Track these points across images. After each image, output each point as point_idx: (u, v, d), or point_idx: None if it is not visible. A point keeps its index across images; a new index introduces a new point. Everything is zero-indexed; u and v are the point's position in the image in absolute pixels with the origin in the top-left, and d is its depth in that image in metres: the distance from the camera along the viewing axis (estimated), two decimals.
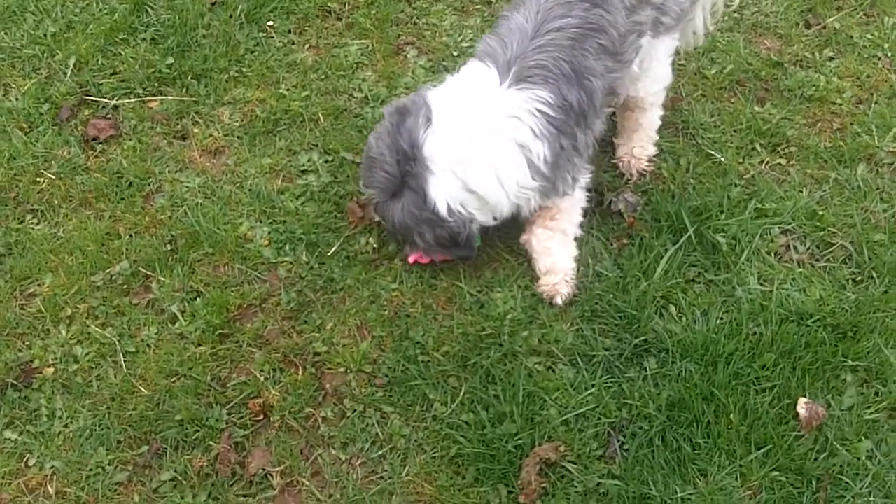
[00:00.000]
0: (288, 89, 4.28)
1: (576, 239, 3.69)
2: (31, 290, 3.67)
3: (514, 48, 3.42)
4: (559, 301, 3.57)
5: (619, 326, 3.49)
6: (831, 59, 4.40)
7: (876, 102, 4.20)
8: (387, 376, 3.41)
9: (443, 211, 3.43)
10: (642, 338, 3.44)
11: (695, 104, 4.20)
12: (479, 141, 3.39)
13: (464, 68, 3.55)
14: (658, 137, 3.99)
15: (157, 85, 4.31)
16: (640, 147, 3.96)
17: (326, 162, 4.01)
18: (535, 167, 3.45)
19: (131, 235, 3.80)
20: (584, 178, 3.68)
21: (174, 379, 3.42)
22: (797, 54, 4.41)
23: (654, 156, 3.99)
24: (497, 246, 3.75)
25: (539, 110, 3.39)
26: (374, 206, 3.60)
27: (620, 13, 3.50)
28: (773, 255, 3.69)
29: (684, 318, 3.50)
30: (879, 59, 4.39)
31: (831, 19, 4.54)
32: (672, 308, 3.53)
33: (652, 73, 3.81)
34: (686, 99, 4.20)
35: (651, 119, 3.94)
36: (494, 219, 3.56)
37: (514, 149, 3.41)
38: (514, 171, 3.44)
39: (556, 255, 3.61)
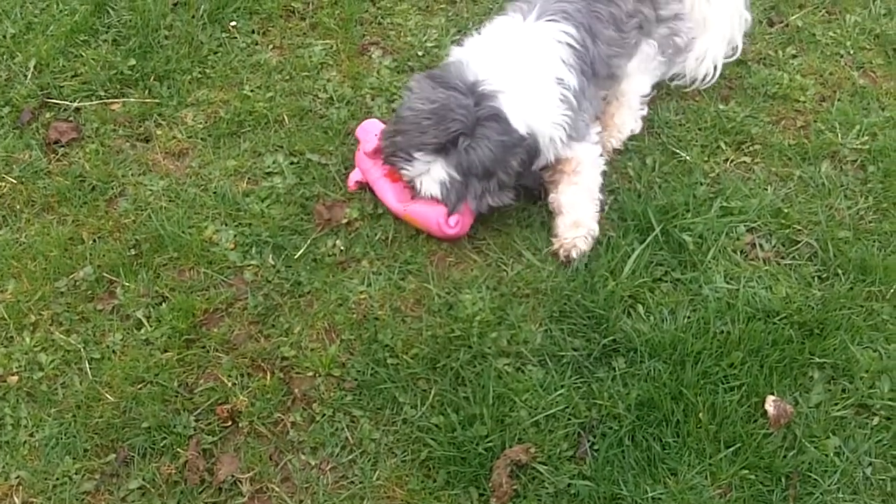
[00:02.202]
0: (252, 90, 4.25)
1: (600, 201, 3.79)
2: None
3: (536, 1, 3.77)
4: (574, 255, 3.61)
5: (588, 326, 3.49)
6: (794, 56, 4.42)
7: (839, 100, 4.23)
8: (356, 380, 3.39)
9: (523, 130, 3.57)
10: (611, 337, 3.44)
11: (660, 103, 4.20)
12: (520, 66, 3.63)
13: (487, 24, 3.85)
14: (626, 137, 4.03)
15: (119, 87, 4.26)
16: (607, 141, 3.99)
17: (292, 164, 3.98)
18: (566, 97, 3.65)
19: (95, 240, 3.76)
20: (595, 130, 3.87)
21: (140, 385, 3.38)
22: (760, 52, 4.43)
23: (616, 151, 4.01)
24: (464, 247, 3.74)
25: (565, 42, 3.68)
26: (442, 158, 3.55)
27: None
28: (739, 254, 3.70)
29: (652, 318, 3.50)
30: (842, 56, 4.42)
31: (794, 17, 4.56)
32: (640, 307, 3.54)
33: (638, 73, 4.05)
34: (652, 99, 4.19)
35: (624, 119, 4.03)
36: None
37: (549, 75, 3.65)
38: (550, 95, 3.65)
39: (583, 210, 3.70)
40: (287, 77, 4.31)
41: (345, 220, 3.78)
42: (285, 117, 4.15)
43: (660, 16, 4.04)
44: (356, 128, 3.96)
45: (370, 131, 3.83)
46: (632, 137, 4.06)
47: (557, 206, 3.74)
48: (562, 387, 3.35)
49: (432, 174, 3.58)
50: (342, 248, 3.72)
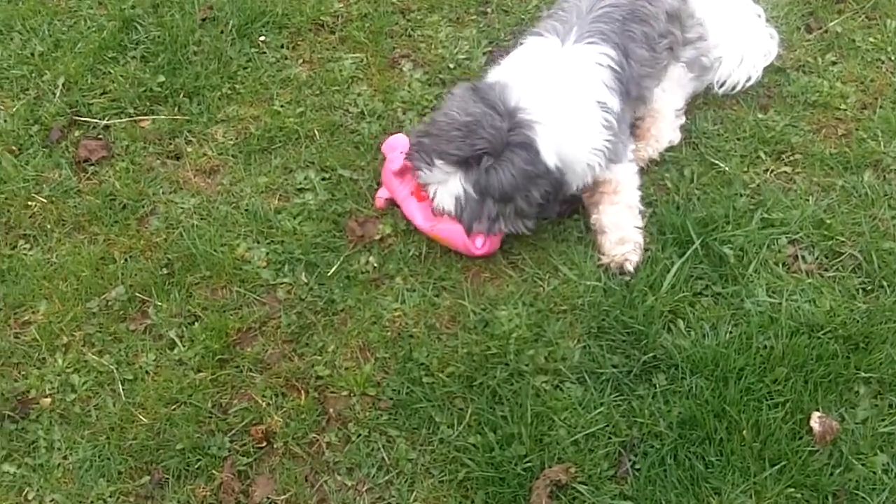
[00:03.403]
0: (282, 106, 4.26)
1: (640, 213, 3.81)
2: (26, 317, 3.65)
3: (572, 20, 3.78)
4: (629, 268, 3.63)
5: (627, 342, 3.48)
6: (834, 63, 4.39)
7: (881, 107, 4.19)
8: (391, 399, 3.39)
9: (551, 164, 3.57)
10: (651, 354, 3.43)
11: (697, 112, 4.18)
12: (562, 93, 3.65)
13: (521, 45, 3.87)
14: (664, 148, 4.02)
15: (148, 104, 4.29)
16: (644, 152, 4.00)
17: (323, 179, 3.99)
18: (609, 122, 3.69)
19: (126, 259, 3.78)
20: (631, 148, 3.90)
21: (174, 406, 3.40)
22: (799, 59, 4.40)
23: (653, 162, 4.01)
24: (499, 262, 3.73)
25: (606, 64, 3.71)
26: (462, 175, 3.57)
27: (662, 12, 3.91)
28: (781, 266, 3.68)
29: (693, 333, 3.49)
30: (883, 62, 4.39)
31: (833, 23, 4.53)
32: (680, 322, 3.52)
33: (671, 91, 4.07)
34: (689, 108, 4.17)
35: (662, 130, 4.03)
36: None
37: (591, 101, 3.68)
38: (592, 122, 3.68)
39: (625, 226, 3.71)
40: (317, 92, 4.33)
41: (377, 237, 3.79)
42: (316, 132, 4.16)
43: (686, 38, 4.05)
44: (383, 143, 3.97)
45: (396, 147, 3.84)
46: (669, 148, 4.04)
47: (600, 227, 3.75)
48: (601, 405, 3.33)
49: (449, 186, 3.59)
50: (375, 264, 3.72)
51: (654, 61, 3.92)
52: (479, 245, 3.65)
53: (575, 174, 3.72)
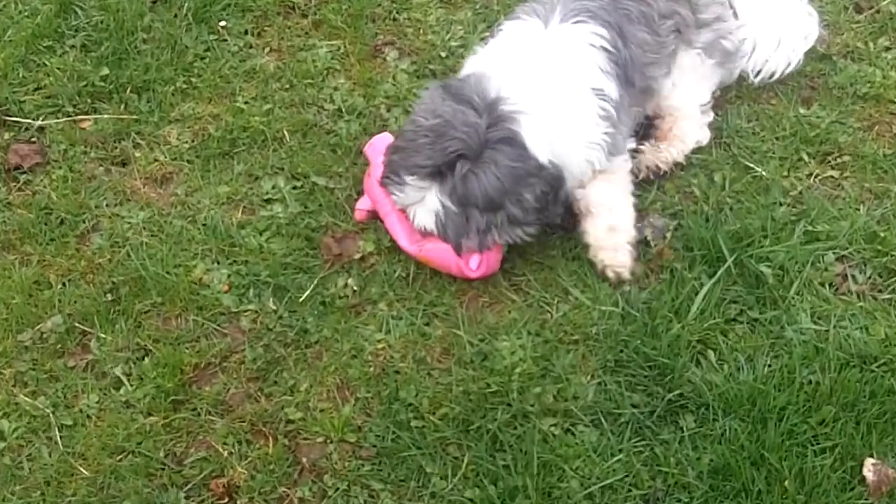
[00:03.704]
0: (246, 102, 4.29)
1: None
2: None
3: (553, 2, 3.82)
4: (626, 276, 3.67)
5: (649, 378, 3.49)
6: (888, 49, 4.42)
7: None
8: (374, 446, 3.40)
9: (543, 159, 3.57)
10: (677, 391, 3.44)
11: (729, 107, 4.21)
12: (552, 81, 3.67)
13: (498, 32, 3.91)
14: (690, 149, 4.04)
15: (89, 101, 4.31)
16: (667, 153, 4.02)
17: (294, 188, 4.01)
18: (606, 111, 3.71)
19: (64, 284, 3.79)
20: (630, 144, 3.91)
21: (120, 456, 3.40)
22: (847, 44, 4.43)
23: (678, 165, 4.03)
24: (500, 284, 3.75)
25: (599, 45, 3.74)
26: (440, 186, 3.57)
27: None
28: (827, 287, 3.70)
29: (726, 366, 3.50)
30: None
31: (886, 2, 4.56)
32: (711, 354, 3.54)
33: (688, 84, 4.07)
34: (718, 101, 4.20)
35: (685, 129, 4.05)
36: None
37: (585, 88, 3.70)
38: (588, 112, 3.69)
39: (618, 211, 3.74)
40: (287, 85, 4.35)
41: (358, 255, 3.81)
42: (286, 133, 4.18)
43: (700, 20, 4.07)
44: (365, 145, 4.00)
45: (381, 151, 3.85)
46: (697, 149, 4.07)
47: (586, 205, 3.76)
48: (620, 451, 3.34)
49: (426, 203, 3.60)
50: (355, 288, 3.74)
51: (659, 46, 3.94)
52: (475, 266, 3.67)
53: (570, 174, 3.74)
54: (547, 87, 3.64)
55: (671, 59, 4.03)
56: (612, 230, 3.71)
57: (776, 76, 4.27)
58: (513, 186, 3.55)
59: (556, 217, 3.73)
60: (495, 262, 3.72)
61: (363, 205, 3.89)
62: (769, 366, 3.50)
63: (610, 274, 3.71)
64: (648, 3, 3.91)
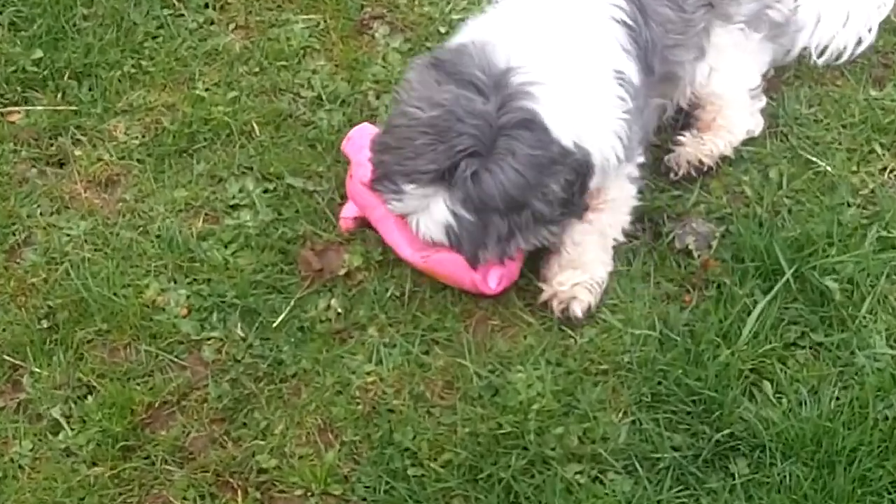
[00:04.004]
0: (207, 89, 4.29)
1: (614, 247, 3.82)
2: None
3: None
4: (577, 311, 3.66)
5: (693, 415, 3.48)
6: None
7: None
8: (364, 500, 3.38)
9: (567, 141, 3.53)
10: (726, 431, 3.42)
11: (786, 90, 4.20)
12: (566, 51, 3.64)
13: None
14: (739, 140, 4.05)
15: (19, 90, 4.32)
16: (712, 145, 4.02)
17: (266, 192, 4.01)
18: (625, 98, 3.68)
19: None
20: (638, 160, 3.86)
21: None
22: None
23: (726, 160, 4.04)
24: (513, 303, 3.74)
25: (619, 17, 3.72)
26: (450, 185, 3.52)
27: None
28: None
29: (785, 400, 3.49)
30: None
31: None
32: (767, 386, 3.53)
33: (731, 65, 4.05)
34: (773, 83, 4.19)
35: (732, 118, 4.05)
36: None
37: (605, 65, 3.68)
38: (607, 92, 3.67)
39: (587, 252, 3.74)
40: (256, 69, 4.35)
41: (343, 271, 3.80)
42: (255, 126, 4.18)
43: None
44: (343, 141, 3.99)
45: (364, 145, 3.82)
46: (748, 141, 4.07)
47: (553, 242, 3.75)
48: (658, 503, 3.32)
49: (432, 213, 3.57)
50: (340, 310, 3.72)
51: (684, 24, 3.91)
52: (494, 284, 3.67)
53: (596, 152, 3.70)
54: (559, 58, 3.61)
55: (702, 39, 4.01)
56: (569, 266, 3.72)
57: (845, 56, 4.26)
58: (536, 178, 3.51)
59: (582, 210, 3.71)
60: (516, 273, 3.72)
61: (349, 212, 3.87)
62: (837, 399, 3.48)
63: (556, 306, 3.69)
64: None
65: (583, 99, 3.60)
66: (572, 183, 3.58)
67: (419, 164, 3.49)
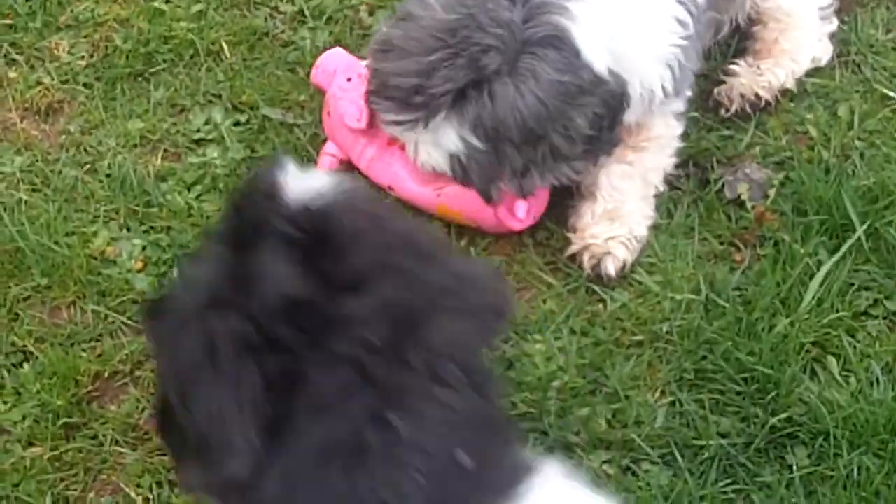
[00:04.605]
0: (168, 1, 4.30)
1: (656, 196, 3.84)
2: None
3: None
4: (610, 268, 3.69)
5: (745, 396, 3.49)
6: None
7: None
8: None
9: (601, 67, 3.53)
10: (784, 415, 3.44)
11: (860, 12, 4.21)
12: None
13: None
14: (804, 70, 4.05)
15: None
16: (771, 75, 4.04)
17: (238, 125, 4.03)
18: (683, 19, 3.68)
19: None
20: (687, 94, 3.90)
21: None
22: None
23: (787, 93, 4.06)
24: (531, 261, 3.77)
25: None
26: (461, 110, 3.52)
27: None
28: None
29: (853, 380, 3.50)
30: None
31: None
32: (832, 362, 3.54)
33: None
34: (845, 2, 4.20)
35: (799, 41, 4.06)
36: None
37: None
38: (662, 10, 3.68)
39: (628, 201, 3.77)
40: None
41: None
42: (224, 46, 4.20)
43: None
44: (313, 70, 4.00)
45: (337, 71, 3.86)
46: (813, 71, 4.08)
47: (588, 185, 3.79)
48: (702, 499, 3.34)
49: (438, 138, 3.57)
50: None
51: None
52: (523, 214, 3.70)
53: (642, 78, 3.72)
54: None
55: None
56: (609, 217, 3.75)
57: None
58: (559, 109, 3.51)
59: (611, 147, 3.73)
60: (544, 204, 3.77)
61: (330, 151, 3.88)
62: None
63: (587, 260, 3.72)
64: None
65: (631, 17, 3.61)
66: (601, 117, 3.59)
67: (432, 82, 3.48)
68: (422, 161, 3.62)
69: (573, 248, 3.74)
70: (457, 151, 3.55)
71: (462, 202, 3.71)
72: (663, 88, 3.71)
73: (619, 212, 3.74)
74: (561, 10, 3.49)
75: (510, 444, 2.40)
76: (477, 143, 3.53)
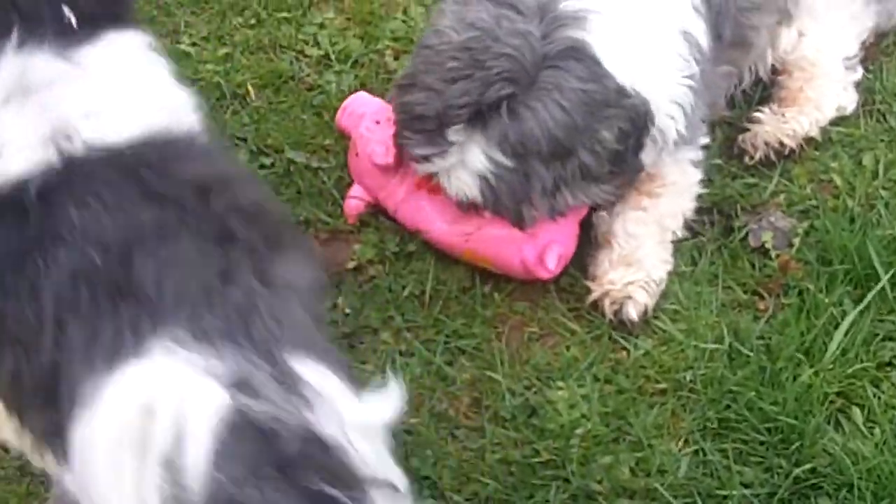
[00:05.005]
0: (194, 44, 4.33)
1: (674, 243, 3.83)
2: None
3: None
4: (632, 313, 3.69)
5: (768, 446, 3.49)
6: None
7: None
8: None
9: (625, 81, 3.55)
10: (807, 465, 3.43)
11: (885, 62, 4.21)
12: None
13: None
14: (828, 119, 4.06)
15: None
16: (795, 123, 4.04)
17: (263, 167, 4.03)
18: (690, 61, 3.70)
19: None
20: (702, 141, 3.90)
21: None
22: None
23: (811, 142, 4.06)
24: (554, 308, 3.75)
25: None
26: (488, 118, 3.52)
27: None
28: None
29: (878, 430, 3.50)
30: None
31: None
32: (857, 413, 3.53)
33: (825, 29, 4.07)
34: (870, 52, 4.20)
35: (823, 89, 4.07)
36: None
37: (671, 21, 3.71)
38: (671, 47, 3.70)
39: (643, 246, 3.77)
40: (252, 20, 4.38)
41: (352, 265, 3.82)
42: (250, 89, 4.21)
43: None
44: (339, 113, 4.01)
45: (363, 114, 3.87)
46: (838, 119, 4.08)
47: (605, 233, 3.80)
48: None
49: (466, 161, 3.56)
50: (348, 310, 3.75)
51: None
52: (553, 265, 3.70)
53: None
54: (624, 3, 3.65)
55: (786, 2, 4.05)
56: (625, 263, 3.75)
57: None
58: (586, 121, 3.52)
59: (636, 173, 3.73)
60: (571, 251, 3.77)
61: (356, 194, 3.88)
62: None
63: (609, 306, 3.72)
64: None
65: (642, 44, 3.63)
66: (626, 134, 3.59)
67: (450, 97, 3.49)
68: (454, 190, 3.60)
69: (594, 296, 3.74)
70: (484, 171, 3.53)
71: (490, 249, 3.71)
72: (677, 132, 3.72)
73: (635, 257, 3.74)
74: (578, 21, 3.52)
75: None
76: (504, 161, 3.52)
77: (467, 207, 3.65)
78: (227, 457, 2.21)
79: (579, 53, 3.51)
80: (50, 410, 2.48)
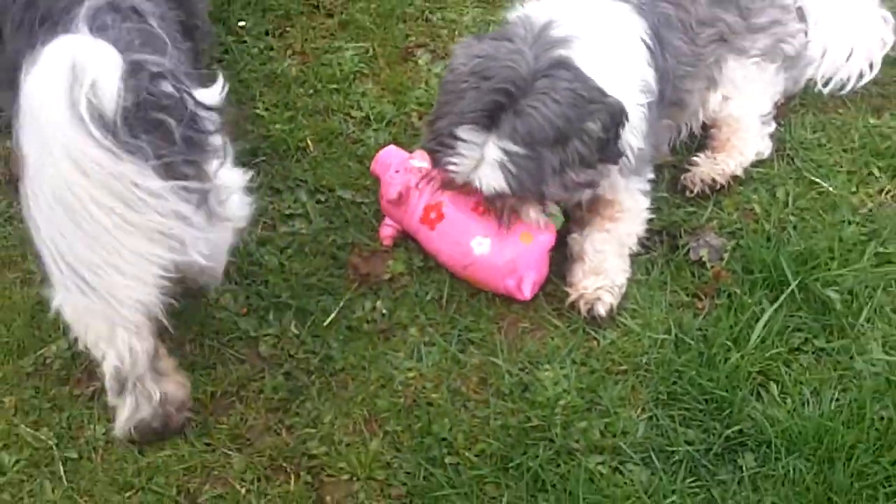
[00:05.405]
0: (267, 109, 4.29)
1: (631, 257, 3.82)
2: None
3: None
4: (601, 310, 3.67)
5: (706, 413, 3.46)
6: None
7: None
8: (405, 484, 3.37)
9: (602, 84, 3.55)
10: (736, 427, 3.41)
11: (792, 117, 4.18)
12: (602, 19, 3.74)
13: None
14: (750, 161, 4.04)
15: None
16: (724, 165, 4.02)
17: (318, 203, 4.00)
18: (647, 84, 3.72)
19: None
20: (648, 176, 3.90)
21: (129, 493, 3.38)
22: None
23: (737, 179, 4.03)
24: (542, 308, 3.73)
25: (645, 41, 3.74)
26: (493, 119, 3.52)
27: None
28: None
29: (789, 400, 3.47)
30: None
31: None
32: (773, 387, 3.51)
33: (745, 94, 4.07)
34: (781, 110, 4.17)
35: (746, 139, 4.05)
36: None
37: (634, 69, 3.73)
38: (637, 61, 3.73)
39: (608, 259, 3.75)
40: (310, 91, 4.35)
41: (387, 276, 3.79)
42: (309, 143, 4.17)
43: (753, 25, 4.06)
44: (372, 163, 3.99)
45: (391, 164, 3.86)
46: (757, 162, 4.06)
47: (578, 251, 3.79)
48: (673, 493, 3.31)
49: (486, 157, 3.53)
50: (384, 311, 3.72)
51: (695, 57, 3.94)
52: (528, 292, 3.69)
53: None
54: (597, 39, 3.65)
55: (712, 71, 4.04)
56: (592, 272, 3.74)
57: (848, 87, 4.25)
58: (577, 114, 3.50)
59: (617, 158, 3.67)
60: (542, 281, 3.75)
61: (387, 232, 3.87)
62: (837, 400, 3.46)
63: (583, 306, 3.70)
64: (686, 9, 3.90)
65: (615, 65, 3.65)
66: (607, 127, 3.56)
67: (463, 107, 3.51)
68: (485, 186, 3.57)
69: (571, 298, 3.72)
70: (504, 161, 3.50)
71: (482, 276, 3.72)
72: (628, 158, 3.70)
73: (602, 268, 3.73)
74: (563, 43, 3.55)
75: None
76: (517, 149, 3.49)
77: (496, 202, 3.64)
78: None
79: (566, 64, 3.52)
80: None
